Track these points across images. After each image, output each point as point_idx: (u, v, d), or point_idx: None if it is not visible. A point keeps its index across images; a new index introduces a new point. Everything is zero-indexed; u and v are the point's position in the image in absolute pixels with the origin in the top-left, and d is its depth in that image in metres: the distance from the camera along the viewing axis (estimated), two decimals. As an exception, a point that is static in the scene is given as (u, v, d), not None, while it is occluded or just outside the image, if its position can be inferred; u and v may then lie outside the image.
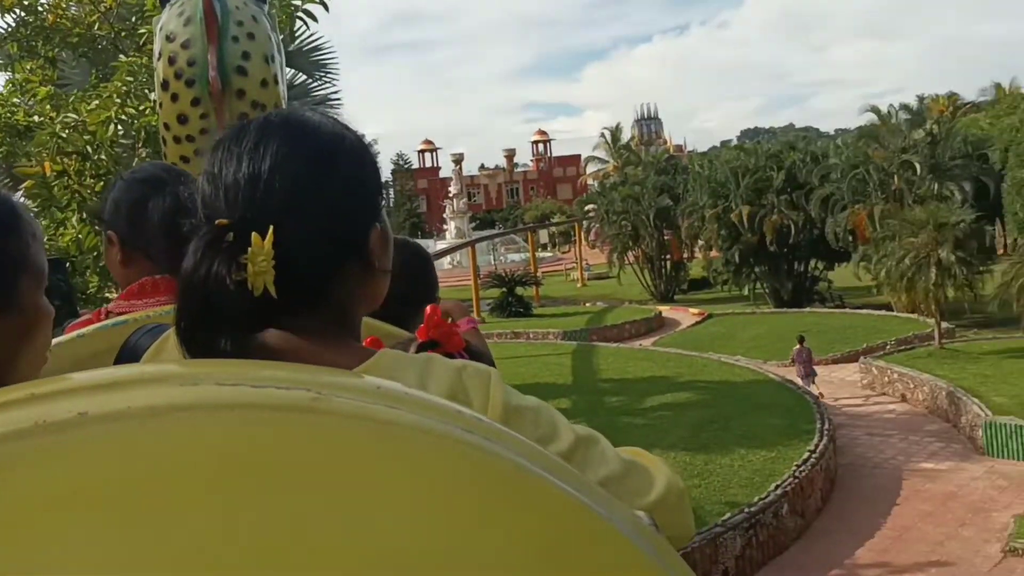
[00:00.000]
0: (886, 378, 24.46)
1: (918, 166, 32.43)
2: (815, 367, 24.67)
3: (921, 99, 70.62)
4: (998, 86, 77.60)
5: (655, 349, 30.81)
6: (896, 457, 18.98)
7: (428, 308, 1.86)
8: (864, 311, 35.16)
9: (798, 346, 27.09)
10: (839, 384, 26.00)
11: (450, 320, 3.04)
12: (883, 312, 34.29)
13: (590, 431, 1.40)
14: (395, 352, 1.24)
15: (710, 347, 32.06)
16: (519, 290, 43.11)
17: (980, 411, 19.03)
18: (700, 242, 44.14)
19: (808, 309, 37.19)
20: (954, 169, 33.76)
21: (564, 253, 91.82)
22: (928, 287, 23.77)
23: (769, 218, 36.92)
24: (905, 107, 38.15)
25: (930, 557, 13.84)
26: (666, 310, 42.44)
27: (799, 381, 23.86)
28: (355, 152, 1.25)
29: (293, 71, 16.81)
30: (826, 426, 18.41)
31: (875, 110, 37.14)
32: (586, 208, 50.61)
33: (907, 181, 33.42)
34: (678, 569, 0.81)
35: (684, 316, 41.61)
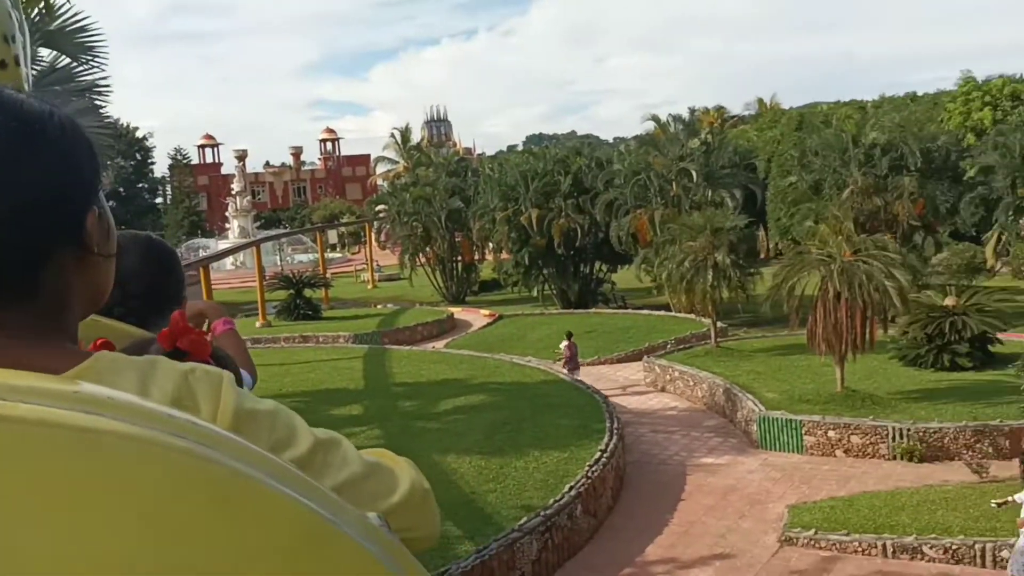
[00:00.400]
0: (668, 376, 25.50)
1: (694, 173, 34.25)
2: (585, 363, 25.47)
3: (692, 111, 75.18)
4: (760, 101, 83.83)
5: (448, 351, 30.70)
6: (680, 453, 19.73)
7: (175, 314, 1.73)
8: (645, 312, 36.68)
9: (566, 342, 27.88)
10: (624, 383, 26.88)
11: (207, 323, 2.58)
12: (663, 312, 35.89)
13: (332, 434, 1.36)
14: (114, 355, 1.15)
15: (502, 348, 32.35)
16: (308, 292, 41.70)
17: (754, 406, 20.13)
18: (491, 244, 44.56)
19: (593, 310, 38.39)
20: (726, 177, 35.90)
21: (354, 254, 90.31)
22: (706, 288, 24.92)
23: (557, 221, 37.82)
24: (678, 118, 40.13)
25: (714, 550, 14.38)
26: (458, 312, 42.56)
27: (572, 375, 24.78)
28: (64, 131, 1.14)
29: (55, 53, 15.36)
30: (615, 425, 18.84)
31: (655, 119, 38.95)
32: (377, 209, 49.85)
33: (684, 188, 35.20)
34: (409, 570, 0.81)
35: (476, 317, 41.86)
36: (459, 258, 48.57)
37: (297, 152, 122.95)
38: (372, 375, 26.06)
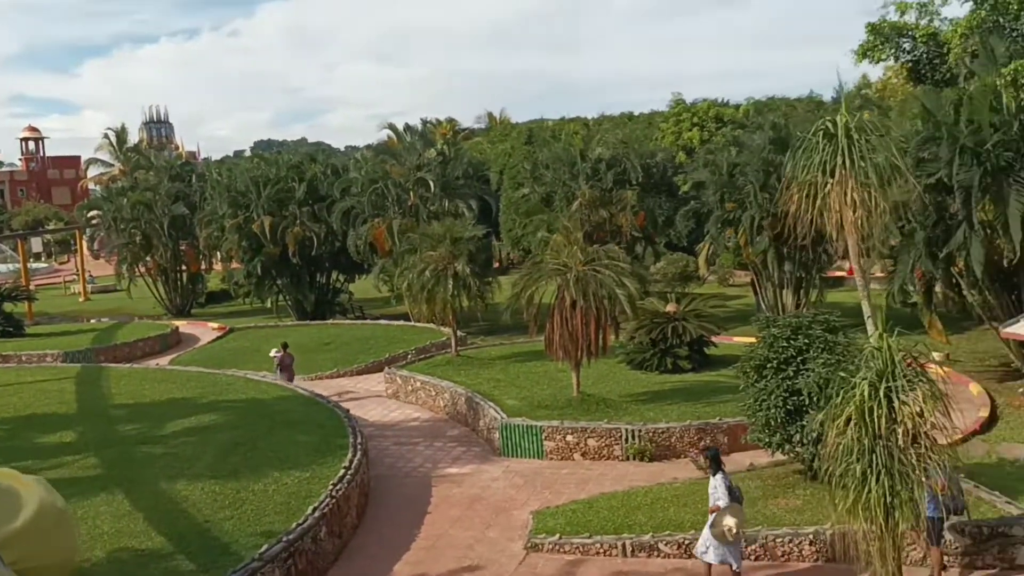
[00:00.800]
0: (410, 387, 25.27)
1: (432, 183, 34.38)
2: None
3: (425, 122, 76.04)
4: (490, 115, 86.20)
5: (174, 368, 28.60)
6: (424, 464, 19.50)
7: None
8: (384, 322, 36.33)
9: (281, 352, 27.03)
10: (365, 395, 26.33)
11: None
12: (402, 322, 35.69)
13: None
14: None
15: (234, 363, 30.66)
16: (8, 306, 37.48)
17: (496, 414, 20.32)
18: (220, 253, 42.25)
19: (331, 321, 37.51)
20: (462, 188, 36.37)
21: (62, 264, 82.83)
22: (446, 298, 24.96)
23: (291, 229, 36.53)
24: (413, 128, 40.18)
25: (462, 563, 14.23)
26: (183, 325, 39.98)
27: (288, 385, 24.20)
28: None
29: None
30: (359, 440, 18.28)
31: (391, 128, 38.78)
32: (89, 215, 45.81)
33: (422, 197, 35.23)
34: None
35: (204, 331, 39.52)
36: (184, 268, 45.70)
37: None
38: (86, 397, 23.70)
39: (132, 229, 43.06)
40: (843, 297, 37.58)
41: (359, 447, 17.73)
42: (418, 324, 34.64)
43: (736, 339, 28.15)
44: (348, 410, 21.08)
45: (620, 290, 19.58)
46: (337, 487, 15.29)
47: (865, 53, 23.71)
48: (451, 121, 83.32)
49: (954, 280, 22.66)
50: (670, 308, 24.46)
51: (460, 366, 25.90)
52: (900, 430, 9.28)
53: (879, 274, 44.63)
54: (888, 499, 9.32)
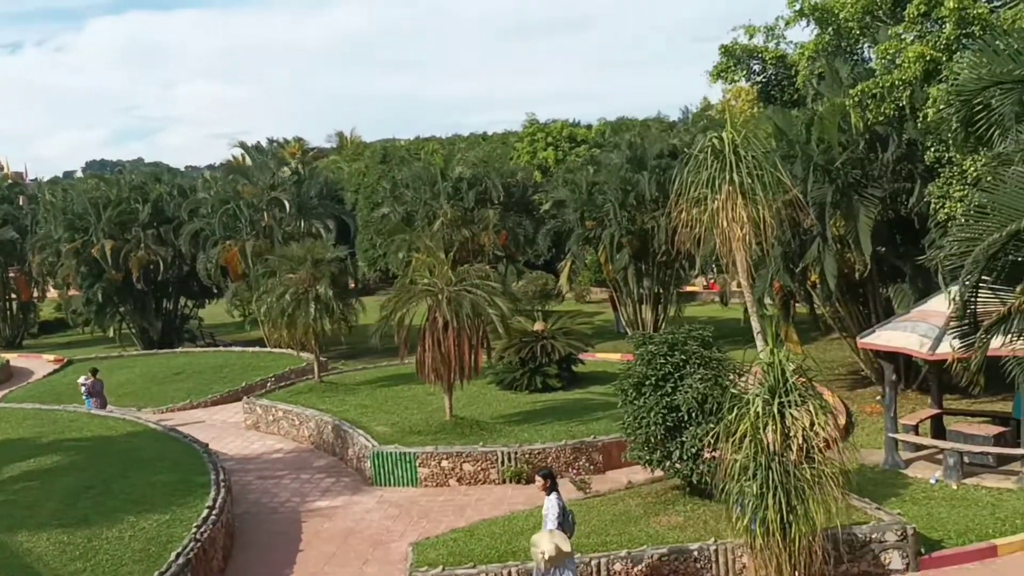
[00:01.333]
0: (271, 416, 24.11)
1: (287, 203, 33.17)
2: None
3: (272, 141, 73.81)
4: (340, 134, 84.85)
5: (6, 406, 26.27)
6: (292, 498, 18.52)
7: None
8: (238, 349, 34.73)
9: (90, 378, 25.48)
10: (222, 427, 24.97)
11: None
12: (257, 349, 34.23)
13: None
14: None
15: (75, 398, 28.41)
16: None
17: (366, 442, 19.57)
18: (55, 280, 39.36)
19: (181, 349, 35.57)
20: (318, 208, 35.31)
21: None
22: (308, 322, 24.01)
23: (135, 254, 34.44)
24: (260, 148, 38.67)
25: (341, 602, 13.51)
26: (14, 358, 37.09)
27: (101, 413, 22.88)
28: None
29: None
30: (221, 476, 17.17)
31: (243, 147, 37.20)
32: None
33: (276, 218, 33.94)
34: None
35: (39, 364, 36.71)
36: (13, 296, 42.42)
37: None
38: (-95, 442, 21.38)
39: (-48, 254, 39.65)
40: (696, 311, 38.78)
41: (222, 484, 16.64)
42: (275, 350, 33.33)
43: (599, 355, 28.39)
44: (207, 444, 19.86)
45: (492, 310, 19.28)
46: (201, 529, 14.22)
47: (719, 74, 24.44)
48: (299, 140, 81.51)
49: (809, 293, 23.56)
50: (538, 327, 24.37)
51: (324, 393, 24.95)
52: (794, 445, 9.30)
53: (734, 288, 46.48)
54: (785, 515, 9.31)
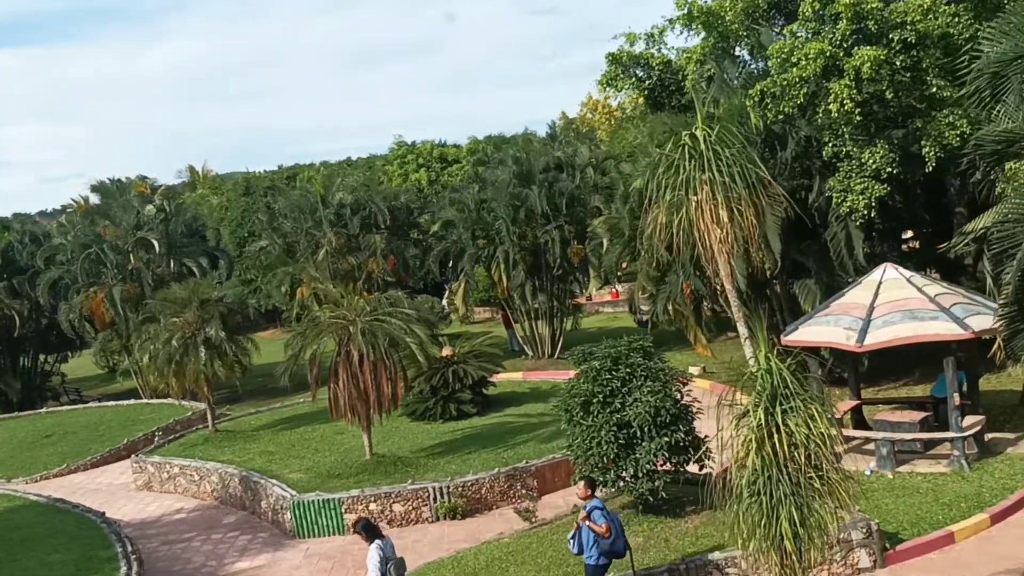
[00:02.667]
0: (165, 474, 22.13)
1: (156, 243, 30.88)
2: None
3: (112, 181, 69.27)
4: (191, 168, 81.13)
5: None
6: (208, 563, 16.85)
7: None
8: (112, 403, 32.07)
9: None
10: (110, 491, 22.75)
11: None
12: (132, 401, 31.78)
13: None
14: None
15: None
16: None
17: (283, 492, 18.11)
18: None
19: (45, 409, 32.57)
20: (188, 246, 33.16)
21: None
22: (199, 368, 22.26)
23: (-15, 309, 31.37)
24: (118, 185, 35.97)
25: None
26: None
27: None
28: None
29: None
30: (129, 548, 15.48)
31: (101, 187, 34.39)
32: None
33: (144, 260, 31.59)
34: None
35: None
36: None
37: None
38: None
39: None
40: (587, 323, 38.59)
41: (131, 557, 14.99)
42: (154, 401, 31.02)
43: (501, 376, 27.56)
44: (103, 513, 17.95)
45: (410, 338, 18.23)
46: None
47: (607, 83, 24.24)
48: (143, 179, 77.46)
49: (716, 294, 23.52)
50: (446, 352, 23.36)
51: (221, 443, 23.18)
52: (801, 455, 8.79)
53: (607, 297, 46.65)
54: (798, 528, 8.79)
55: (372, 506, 17.46)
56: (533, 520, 15.94)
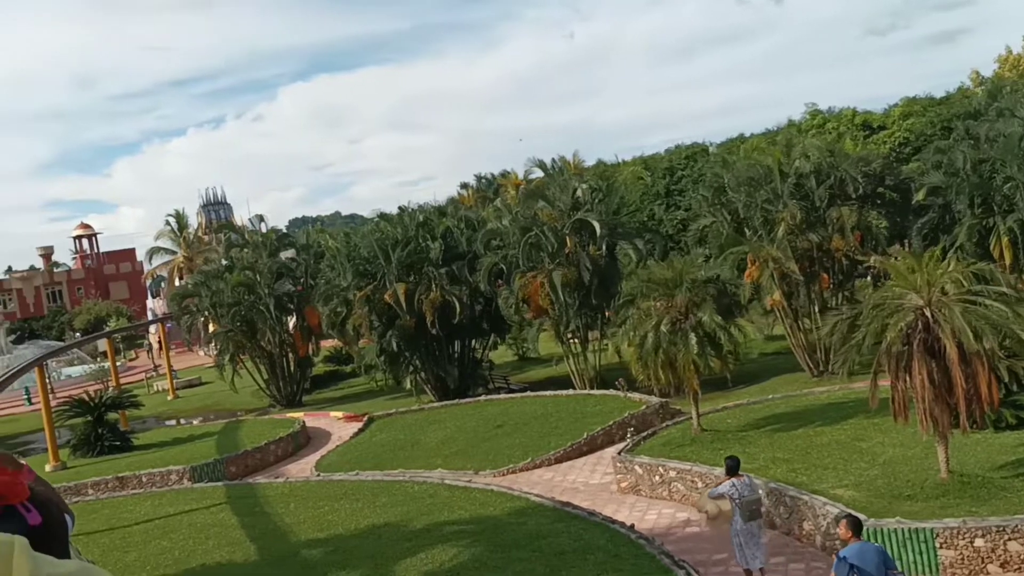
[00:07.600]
0: (657, 477, 19.58)
1: (596, 225, 28.86)
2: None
3: (479, 178, 70.88)
4: (563, 159, 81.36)
5: (342, 479, 22.79)
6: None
7: None
8: (550, 392, 30.37)
9: None
10: (589, 492, 20.65)
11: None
12: (570, 392, 30.10)
13: None
14: None
15: (393, 462, 25.16)
16: (110, 415, 32.61)
17: (830, 508, 14.64)
18: (347, 330, 36.39)
19: (483, 398, 31.83)
20: (627, 226, 31.01)
21: (132, 360, 78.60)
22: (691, 357, 19.45)
23: (428, 296, 31.17)
24: (553, 165, 35.11)
25: None
26: (299, 416, 34.62)
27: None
28: None
29: None
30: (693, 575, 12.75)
31: (541, 166, 33.46)
32: (183, 303, 40.94)
33: (581, 243, 29.78)
34: None
35: (328, 422, 34.22)
36: (288, 352, 40.46)
37: (47, 253, 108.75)
38: (259, 532, 18.26)
39: (234, 314, 38.00)
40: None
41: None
42: (595, 392, 29.16)
43: None
44: (632, 525, 15.53)
45: (1017, 326, 13.94)
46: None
47: None
48: (505, 174, 78.69)
49: None
50: None
51: (711, 443, 20.23)
52: None
53: None
54: None
55: (978, 542, 13.44)
56: None
